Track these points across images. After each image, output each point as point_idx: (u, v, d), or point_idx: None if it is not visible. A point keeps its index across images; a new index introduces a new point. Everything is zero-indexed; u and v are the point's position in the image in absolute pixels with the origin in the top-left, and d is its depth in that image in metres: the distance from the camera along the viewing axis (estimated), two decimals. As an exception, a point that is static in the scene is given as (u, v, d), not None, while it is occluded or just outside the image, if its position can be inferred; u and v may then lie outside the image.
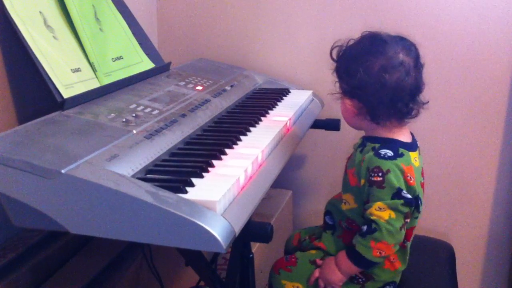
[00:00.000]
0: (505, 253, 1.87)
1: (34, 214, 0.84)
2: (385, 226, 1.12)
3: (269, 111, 1.43)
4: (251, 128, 1.27)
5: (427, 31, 1.74)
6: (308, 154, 1.96)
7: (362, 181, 1.18)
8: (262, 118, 1.36)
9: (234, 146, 1.15)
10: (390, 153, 1.17)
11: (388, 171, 1.14)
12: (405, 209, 1.14)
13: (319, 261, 1.27)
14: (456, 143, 1.81)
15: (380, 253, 1.14)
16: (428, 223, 1.83)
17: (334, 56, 1.22)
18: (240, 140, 1.19)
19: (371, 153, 1.17)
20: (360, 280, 1.24)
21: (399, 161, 1.16)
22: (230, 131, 1.23)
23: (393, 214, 1.13)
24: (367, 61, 1.15)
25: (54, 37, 1.18)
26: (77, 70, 1.20)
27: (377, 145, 1.19)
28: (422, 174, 1.25)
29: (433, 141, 1.81)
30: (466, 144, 1.80)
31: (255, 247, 1.68)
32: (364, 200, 1.19)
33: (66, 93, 1.11)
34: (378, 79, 1.14)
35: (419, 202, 1.19)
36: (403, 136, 1.22)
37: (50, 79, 1.10)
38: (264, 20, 1.88)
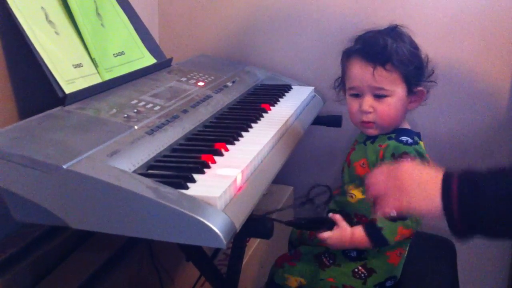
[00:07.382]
0: (506, 250, 1.87)
1: (35, 209, 0.84)
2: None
3: (271, 107, 1.43)
4: (253, 124, 1.27)
5: (429, 28, 1.73)
6: (309, 151, 1.96)
7: None
8: (264, 114, 1.36)
9: (235, 142, 1.14)
10: (410, 139, 1.19)
11: (415, 157, 1.16)
12: None
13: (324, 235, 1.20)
14: (457, 140, 1.81)
15: (400, 237, 1.16)
16: (429, 219, 1.82)
17: (396, 63, 1.19)
18: (241, 136, 1.18)
19: (393, 141, 1.19)
20: (362, 275, 1.24)
21: (418, 147, 1.18)
22: (231, 127, 1.22)
23: None
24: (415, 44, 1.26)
25: (56, 32, 1.18)
26: (78, 65, 1.19)
27: (393, 135, 1.20)
28: None
29: (433, 138, 1.81)
30: (468, 141, 1.80)
31: (256, 242, 1.68)
32: None
33: (68, 89, 1.11)
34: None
35: None
36: (408, 126, 1.25)
37: (51, 74, 1.10)
38: (266, 16, 1.88)
